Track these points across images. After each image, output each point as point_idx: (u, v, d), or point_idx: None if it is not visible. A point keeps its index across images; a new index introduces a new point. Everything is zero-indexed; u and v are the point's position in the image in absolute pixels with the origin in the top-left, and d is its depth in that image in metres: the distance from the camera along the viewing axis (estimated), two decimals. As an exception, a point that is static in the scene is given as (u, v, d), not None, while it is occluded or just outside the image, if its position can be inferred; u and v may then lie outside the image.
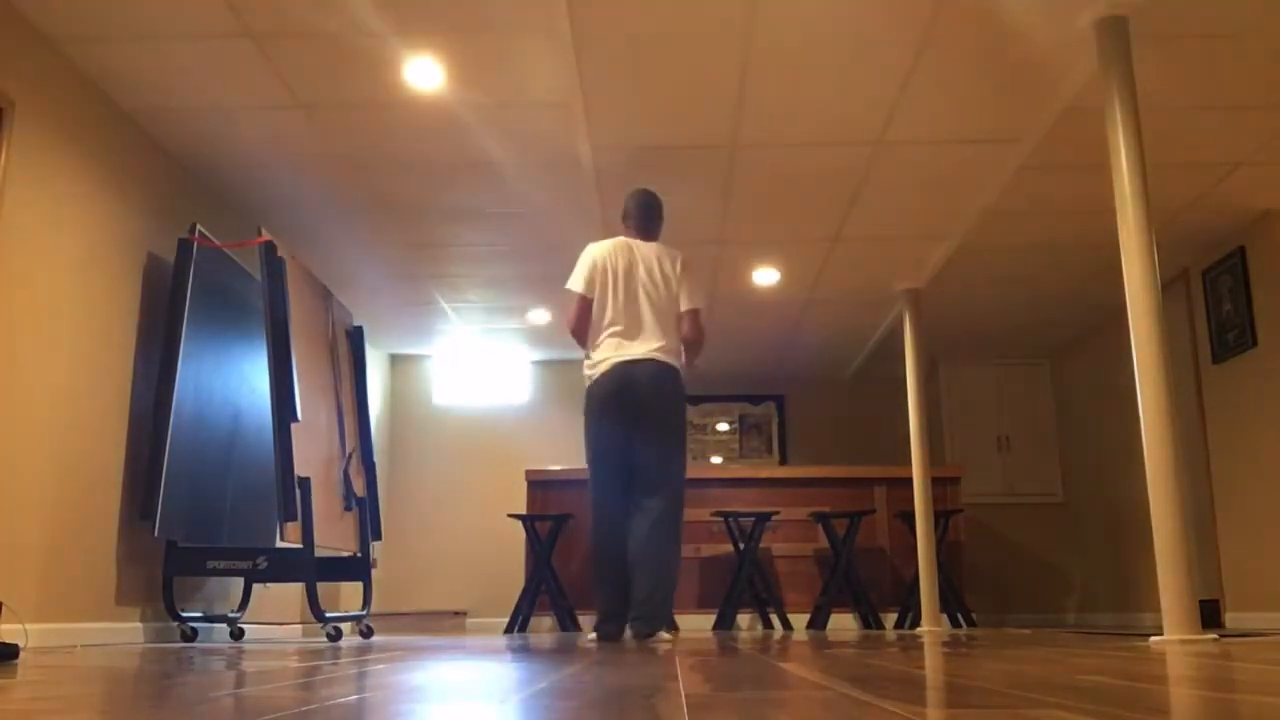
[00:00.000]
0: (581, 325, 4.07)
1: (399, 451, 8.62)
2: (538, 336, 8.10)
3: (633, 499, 3.90)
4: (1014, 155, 4.84)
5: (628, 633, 3.88)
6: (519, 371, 8.85)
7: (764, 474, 6.96)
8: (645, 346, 3.93)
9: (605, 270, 4.03)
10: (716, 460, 8.85)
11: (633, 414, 3.90)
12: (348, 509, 5.16)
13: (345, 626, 7.19)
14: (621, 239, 4.13)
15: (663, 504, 3.85)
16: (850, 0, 3.69)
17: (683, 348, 4.07)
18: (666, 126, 4.59)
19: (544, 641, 4.14)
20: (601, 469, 3.95)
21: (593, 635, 3.98)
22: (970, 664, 2.00)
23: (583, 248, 6.19)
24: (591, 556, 3.95)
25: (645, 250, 4.08)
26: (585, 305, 4.05)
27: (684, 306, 4.04)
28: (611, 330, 3.96)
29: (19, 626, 3.66)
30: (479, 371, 8.84)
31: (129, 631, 4.43)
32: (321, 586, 5.58)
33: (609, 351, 3.93)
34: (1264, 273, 5.62)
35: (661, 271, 4.04)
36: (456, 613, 8.10)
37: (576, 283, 4.06)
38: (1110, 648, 2.77)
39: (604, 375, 3.92)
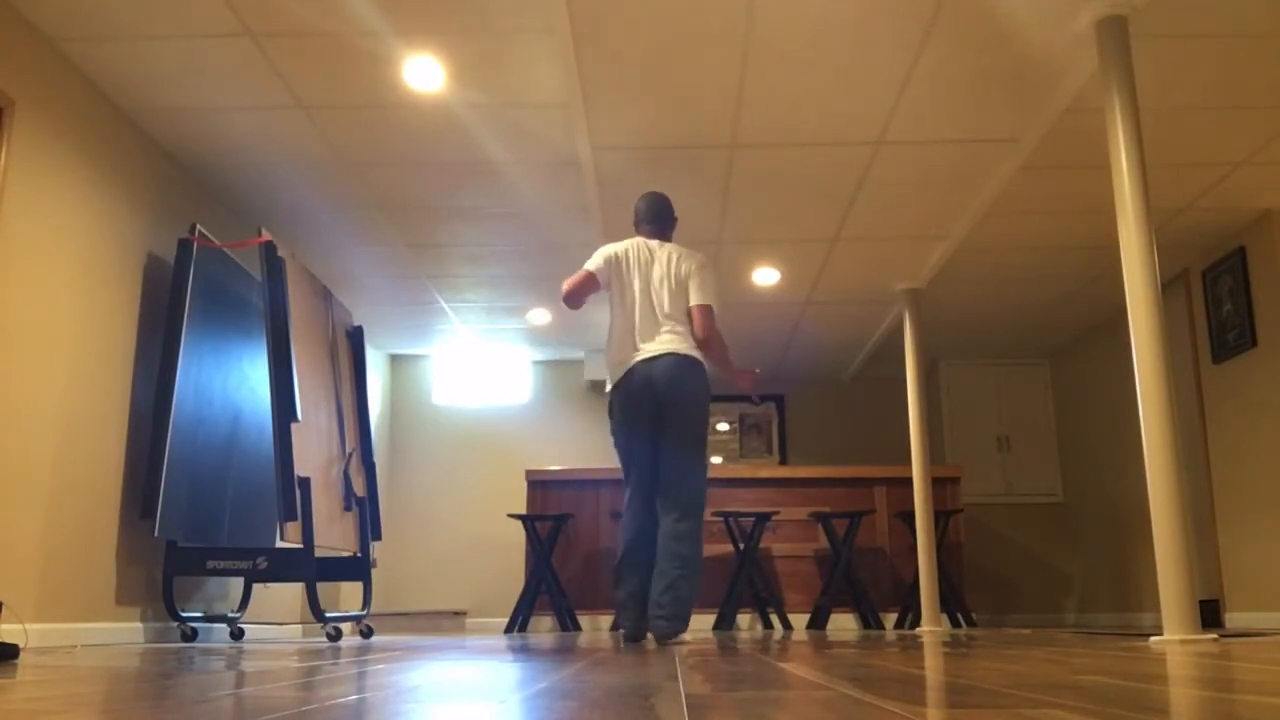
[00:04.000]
0: (576, 291, 3.90)
1: (399, 451, 8.62)
2: (538, 336, 8.10)
3: (657, 502, 3.87)
4: (1014, 155, 4.84)
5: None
6: (519, 371, 8.85)
7: (764, 474, 6.96)
8: (663, 342, 3.85)
9: (621, 265, 3.96)
10: (716, 460, 8.85)
11: (654, 413, 3.84)
12: (348, 509, 5.16)
13: (345, 626, 7.19)
14: (639, 238, 4.06)
15: (683, 509, 3.78)
16: (850, 0, 3.69)
17: (701, 349, 3.96)
18: (666, 126, 4.59)
19: (544, 641, 4.14)
20: (629, 472, 3.92)
21: (620, 633, 3.94)
22: (970, 664, 2.00)
23: (582, 248, 6.22)
24: (617, 558, 3.90)
25: (662, 251, 4.00)
26: (590, 279, 3.92)
27: (691, 302, 3.92)
28: (629, 328, 3.89)
29: (19, 626, 3.66)
30: (479, 371, 8.84)
31: (129, 631, 4.43)
32: (321, 586, 5.59)
33: (628, 352, 3.87)
34: (1264, 273, 5.62)
35: (678, 271, 3.95)
36: (456, 613, 8.10)
37: (589, 264, 3.96)
38: (1110, 648, 2.77)
39: (625, 378, 3.87)
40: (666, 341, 3.85)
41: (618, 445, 3.94)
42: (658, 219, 4.12)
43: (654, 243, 4.03)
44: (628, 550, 3.85)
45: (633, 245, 4.01)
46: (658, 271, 3.94)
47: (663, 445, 3.85)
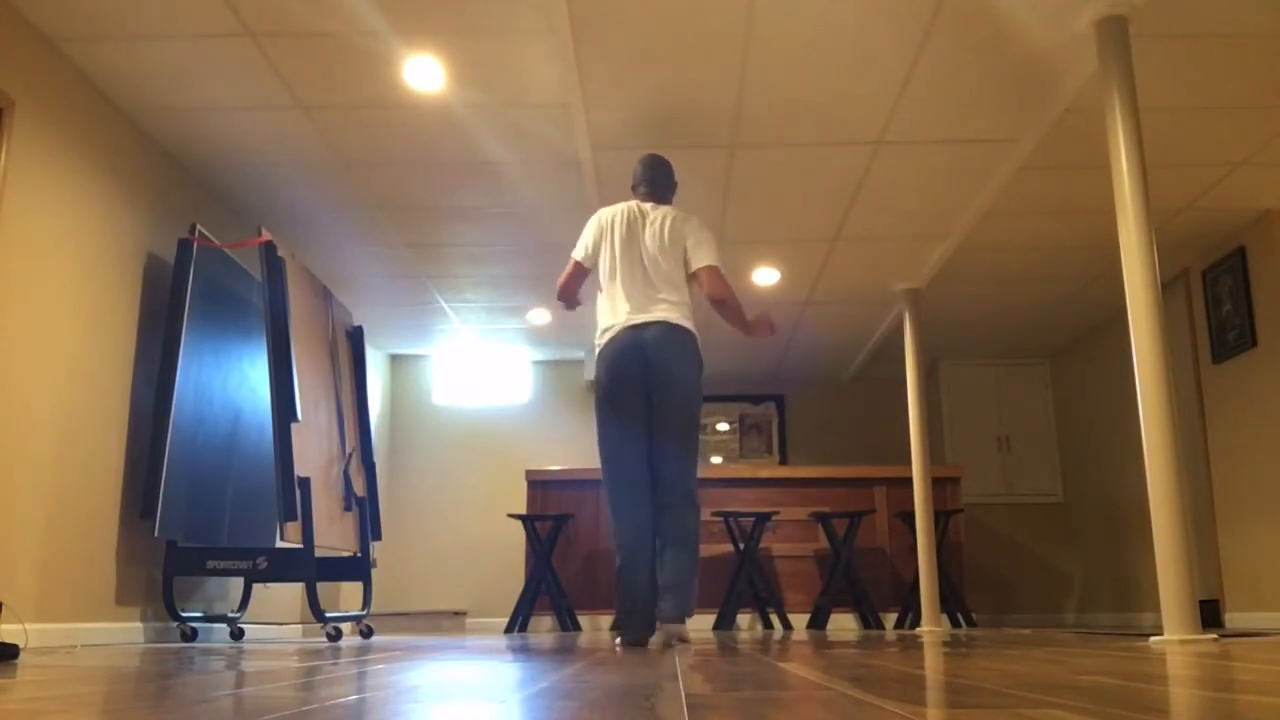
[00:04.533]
0: (569, 288, 3.80)
1: (399, 451, 8.62)
2: (538, 336, 8.10)
3: (657, 500, 3.60)
4: (1014, 155, 4.84)
5: (653, 639, 3.57)
6: (519, 371, 8.85)
7: (764, 474, 6.96)
8: (654, 309, 3.63)
9: (611, 233, 3.75)
10: (716, 460, 8.85)
11: (643, 389, 3.60)
12: (348, 509, 5.16)
13: (345, 626, 7.19)
14: (632, 202, 3.85)
15: (685, 508, 3.57)
16: (850, 1, 3.69)
17: (717, 311, 3.77)
18: (666, 126, 4.59)
19: (544, 641, 4.14)
20: (615, 461, 3.63)
21: (616, 641, 3.63)
22: (970, 664, 2.00)
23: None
24: (618, 558, 3.60)
25: (656, 213, 3.78)
26: (578, 270, 3.80)
27: (694, 265, 3.72)
28: (619, 295, 3.67)
29: (19, 626, 3.66)
30: (479, 371, 8.84)
31: (129, 631, 4.43)
32: (321, 586, 5.59)
33: (616, 317, 3.65)
34: (1264, 273, 5.62)
35: (672, 233, 3.73)
36: (456, 613, 8.10)
37: (577, 249, 3.81)
38: (1110, 648, 2.77)
39: (610, 342, 3.64)
40: (660, 310, 3.63)
41: (599, 423, 3.67)
42: (655, 181, 3.91)
43: (647, 205, 3.83)
44: (628, 564, 3.57)
45: (622, 209, 3.81)
46: (650, 235, 3.72)
47: (659, 441, 3.60)
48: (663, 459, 3.62)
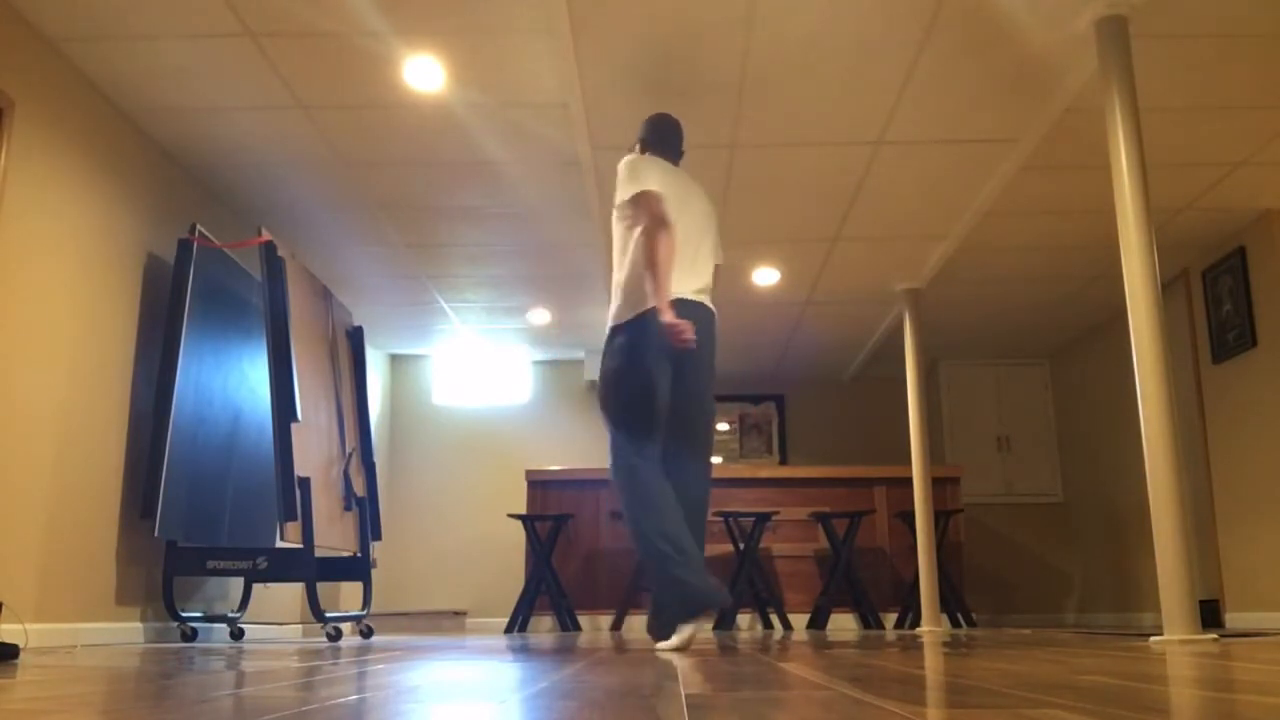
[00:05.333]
0: (664, 217, 3.19)
1: (399, 451, 8.62)
2: (538, 336, 8.10)
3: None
4: (1014, 155, 4.84)
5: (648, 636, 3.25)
6: (519, 371, 8.85)
7: (764, 474, 6.96)
8: (697, 285, 3.31)
9: (667, 187, 3.30)
10: (716, 460, 8.85)
11: (678, 364, 3.24)
12: (348, 509, 5.16)
13: (345, 626, 7.19)
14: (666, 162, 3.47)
15: (704, 510, 3.26)
16: (850, 1, 3.69)
17: None
18: (666, 126, 4.59)
19: (544, 641, 4.14)
20: (646, 419, 3.17)
21: (685, 633, 3.00)
22: (970, 664, 2.00)
23: (582, 247, 6.22)
24: (652, 530, 3.04)
25: (691, 179, 3.46)
26: (661, 199, 3.21)
27: (717, 258, 3.50)
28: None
29: (19, 626, 3.66)
30: (479, 371, 8.84)
31: (129, 631, 4.43)
32: (321, 586, 5.59)
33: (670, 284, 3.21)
34: (1264, 273, 5.62)
35: (713, 210, 3.52)
36: (456, 613, 8.10)
37: (650, 180, 3.21)
38: (1110, 648, 2.77)
39: (645, 314, 3.20)
40: (701, 288, 3.31)
41: (633, 384, 3.17)
42: (667, 143, 3.53)
43: (679, 169, 3.48)
44: (672, 512, 3.09)
45: (668, 166, 3.39)
46: (699, 205, 3.42)
47: (683, 440, 3.27)
48: (692, 463, 3.28)
